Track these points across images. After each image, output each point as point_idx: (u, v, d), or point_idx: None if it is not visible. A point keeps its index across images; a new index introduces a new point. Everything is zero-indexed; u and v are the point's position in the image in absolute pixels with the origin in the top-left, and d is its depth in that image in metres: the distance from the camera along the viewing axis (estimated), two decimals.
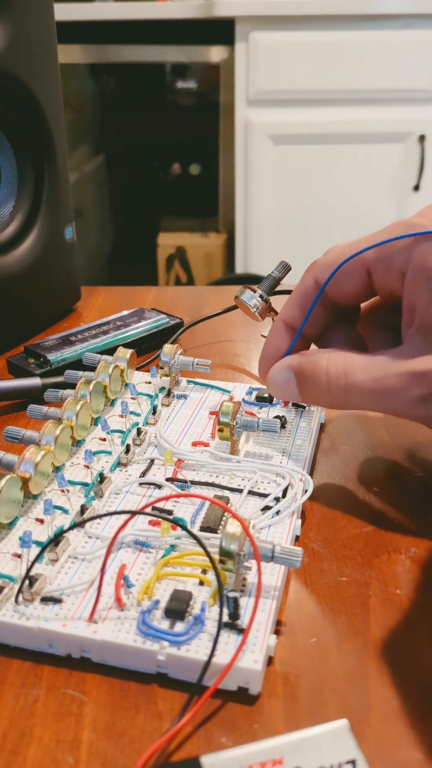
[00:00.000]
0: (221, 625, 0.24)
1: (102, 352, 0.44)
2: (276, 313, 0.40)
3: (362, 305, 0.36)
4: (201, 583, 0.26)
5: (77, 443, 0.35)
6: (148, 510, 0.30)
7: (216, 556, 0.25)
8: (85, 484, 0.32)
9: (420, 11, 1.54)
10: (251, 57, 1.59)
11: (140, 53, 1.70)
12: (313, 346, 0.35)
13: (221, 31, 1.60)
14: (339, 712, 0.23)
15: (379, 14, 1.55)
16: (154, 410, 0.38)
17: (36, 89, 0.47)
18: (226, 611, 0.24)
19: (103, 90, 1.88)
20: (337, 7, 1.53)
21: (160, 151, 1.90)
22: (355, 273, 0.31)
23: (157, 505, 0.30)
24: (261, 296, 0.41)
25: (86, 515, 0.29)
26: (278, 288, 0.41)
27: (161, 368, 0.41)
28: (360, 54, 1.58)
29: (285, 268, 0.41)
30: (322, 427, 0.39)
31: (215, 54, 1.68)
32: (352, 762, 0.20)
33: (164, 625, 0.24)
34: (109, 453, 0.34)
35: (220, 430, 0.34)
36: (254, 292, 0.41)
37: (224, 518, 0.29)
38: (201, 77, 1.77)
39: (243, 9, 1.54)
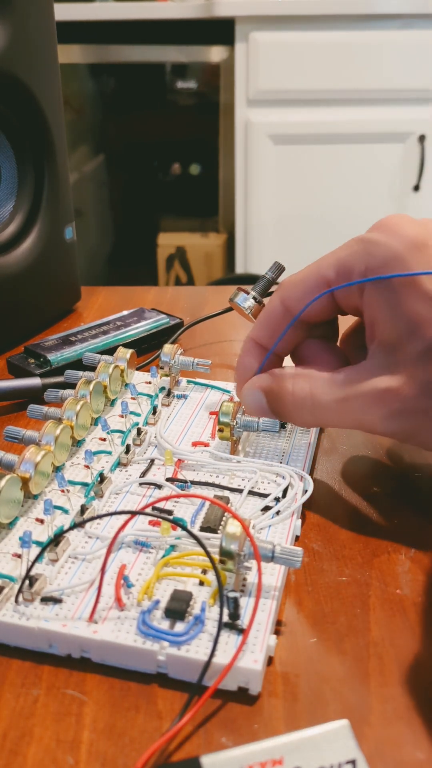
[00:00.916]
0: (221, 626, 0.24)
1: (102, 352, 0.44)
2: None
3: (346, 329, 0.36)
4: (201, 583, 0.26)
5: (77, 443, 0.35)
6: (148, 510, 0.30)
7: (216, 556, 0.25)
8: (85, 484, 0.32)
9: (420, 11, 1.54)
10: (251, 57, 1.59)
11: (140, 53, 1.70)
12: (288, 360, 0.35)
13: (221, 31, 1.59)
14: (339, 712, 0.23)
15: (379, 14, 1.54)
16: (154, 410, 0.38)
17: (36, 89, 0.47)
18: (226, 611, 0.24)
19: (103, 90, 1.88)
20: (337, 7, 1.53)
21: (160, 151, 1.90)
22: (318, 293, 0.31)
23: (157, 505, 0.30)
24: (254, 298, 0.41)
25: (86, 515, 0.29)
26: (272, 289, 0.41)
27: (161, 368, 0.41)
28: (360, 54, 1.58)
29: (279, 269, 0.41)
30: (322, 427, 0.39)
31: (215, 54, 1.67)
32: (352, 762, 0.20)
33: (164, 625, 0.24)
34: (109, 453, 0.34)
35: (220, 430, 0.34)
36: (248, 293, 0.41)
37: (224, 518, 0.29)
38: (201, 77, 1.77)
39: (243, 9, 1.54)
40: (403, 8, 1.54)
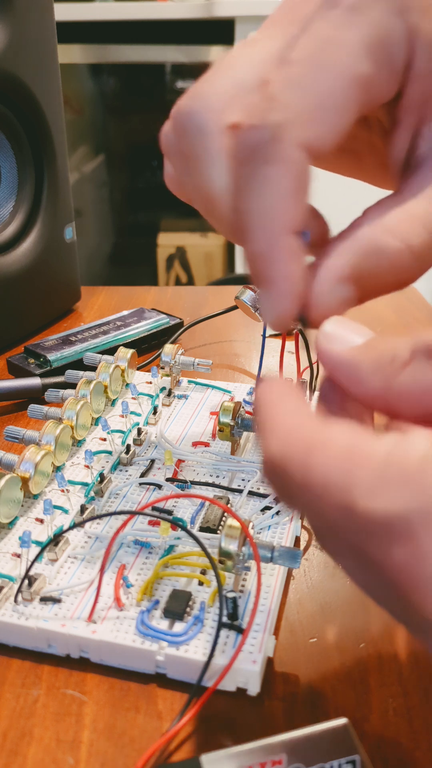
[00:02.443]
0: (220, 626, 0.24)
1: (102, 352, 0.44)
2: None
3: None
4: (200, 583, 0.26)
5: (78, 443, 0.35)
6: (148, 510, 0.30)
7: (215, 557, 0.25)
8: (85, 484, 0.32)
9: None
10: None
11: (140, 53, 1.70)
12: None
13: (221, 31, 1.59)
14: (339, 712, 0.23)
15: None
16: (155, 410, 0.38)
17: (36, 89, 0.47)
18: (225, 611, 0.24)
19: (103, 90, 1.88)
20: None
21: (160, 151, 1.90)
22: (350, 98, 0.20)
23: (157, 505, 0.30)
24: None
25: (86, 515, 0.29)
26: None
27: (162, 368, 0.41)
28: None
29: None
30: None
31: (215, 54, 1.67)
32: (352, 762, 0.20)
33: (163, 625, 0.24)
34: (110, 453, 0.34)
35: (221, 431, 0.34)
36: (255, 292, 0.41)
37: (224, 518, 0.29)
38: (201, 77, 1.77)
39: (243, 9, 1.54)
40: None
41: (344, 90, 0.19)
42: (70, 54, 1.69)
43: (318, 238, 0.22)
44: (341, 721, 0.21)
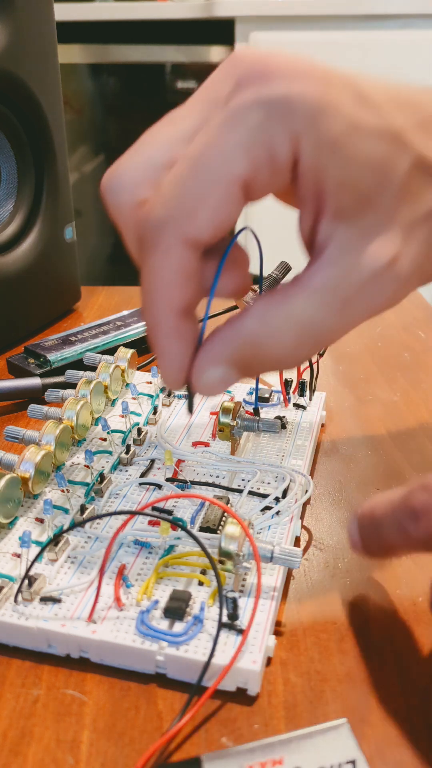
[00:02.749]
0: (220, 626, 0.24)
1: (102, 352, 0.44)
2: None
3: None
4: (200, 583, 0.26)
5: (78, 443, 0.35)
6: (148, 510, 0.30)
7: (216, 557, 0.25)
8: (85, 484, 0.32)
9: (420, 11, 1.54)
10: None
11: (140, 53, 1.70)
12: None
13: (221, 31, 1.59)
14: (339, 712, 0.23)
15: (379, 14, 1.54)
16: (155, 410, 0.38)
17: (36, 89, 0.47)
18: (225, 611, 0.24)
19: (103, 90, 1.88)
20: (337, 7, 1.53)
21: None
22: (228, 199, 0.22)
23: (157, 505, 0.30)
24: None
25: (86, 515, 0.29)
26: None
27: None
28: (360, 54, 1.58)
29: (285, 269, 0.41)
30: (322, 427, 0.39)
31: (215, 54, 1.67)
32: (352, 762, 0.20)
33: (163, 625, 0.24)
34: (110, 453, 0.34)
35: (221, 431, 0.34)
36: (255, 292, 0.41)
37: (224, 519, 0.29)
38: (201, 77, 1.77)
39: (243, 9, 1.54)
40: (403, 8, 1.54)
41: (221, 190, 0.21)
42: (70, 54, 1.69)
43: (237, 291, 0.25)
44: (341, 721, 0.21)
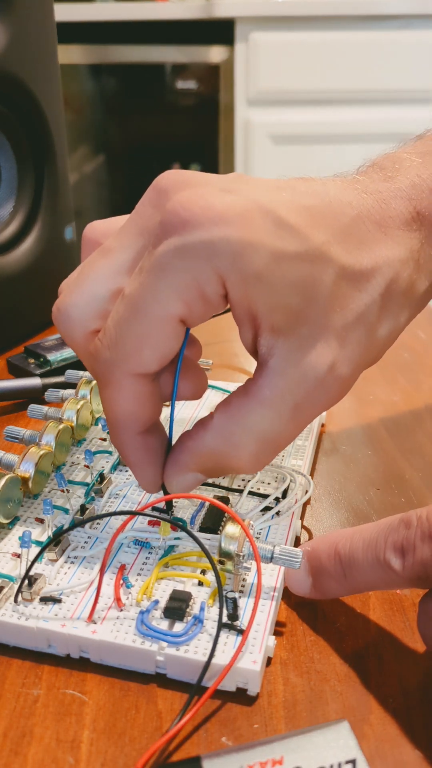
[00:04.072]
0: (221, 626, 0.24)
1: None
2: None
3: None
4: (200, 583, 0.26)
5: (78, 443, 0.35)
6: (148, 510, 0.30)
7: (216, 557, 0.25)
8: (85, 484, 0.32)
9: (420, 11, 1.54)
10: (251, 57, 1.59)
11: (140, 53, 1.70)
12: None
13: (221, 31, 1.60)
14: (339, 712, 0.23)
15: (379, 14, 1.55)
16: None
17: (36, 89, 0.47)
18: (225, 612, 0.24)
19: (103, 90, 1.88)
20: (337, 8, 1.53)
21: (160, 151, 1.90)
22: (168, 336, 0.24)
23: (157, 505, 0.30)
24: None
25: (86, 515, 0.29)
26: None
27: None
28: (360, 54, 1.58)
29: None
30: (323, 427, 0.39)
31: (215, 54, 1.67)
32: (352, 762, 0.20)
33: (163, 625, 0.24)
34: (110, 453, 0.34)
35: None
36: None
37: (224, 519, 0.29)
38: (201, 77, 1.77)
39: (243, 9, 1.54)
40: (403, 8, 1.54)
41: (160, 329, 0.23)
42: (70, 54, 1.69)
43: (195, 393, 0.28)
44: (341, 721, 0.21)
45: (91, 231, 0.29)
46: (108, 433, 0.29)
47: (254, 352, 0.26)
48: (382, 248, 0.26)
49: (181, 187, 0.24)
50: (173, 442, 0.27)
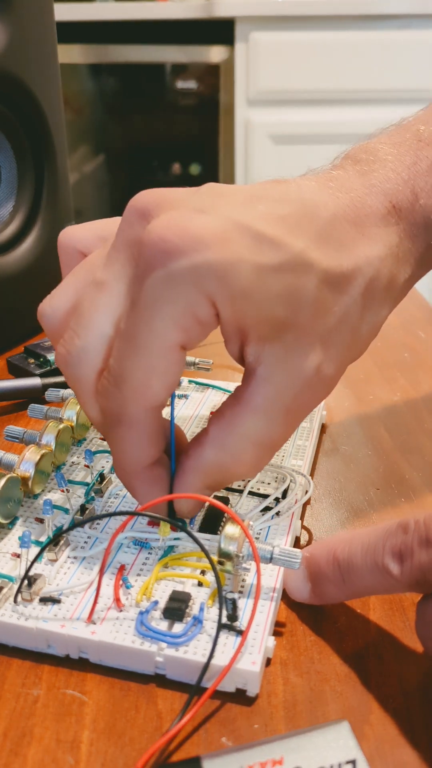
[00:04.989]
0: (220, 627, 0.23)
1: None
2: None
3: None
4: (200, 584, 0.26)
5: (78, 443, 0.35)
6: (148, 510, 0.30)
7: (215, 557, 0.25)
8: (85, 484, 0.32)
9: (420, 11, 1.54)
10: (251, 57, 1.59)
11: (140, 53, 1.70)
12: None
13: (221, 31, 1.59)
14: (339, 712, 0.23)
15: (379, 14, 1.54)
16: None
17: (36, 89, 0.47)
18: (224, 612, 0.24)
19: (103, 90, 1.88)
20: (337, 7, 1.53)
21: (160, 151, 1.90)
22: (172, 364, 0.24)
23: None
24: None
25: (86, 515, 0.29)
26: None
27: None
28: (360, 54, 1.58)
29: None
30: (323, 427, 0.39)
31: (215, 54, 1.67)
32: (352, 762, 0.20)
33: (163, 626, 0.24)
34: (110, 453, 0.34)
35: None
36: None
37: (224, 519, 0.29)
38: (201, 77, 1.77)
39: (243, 9, 1.54)
40: (403, 8, 1.54)
41: (165, 359, 0.24)
42: (70, 54, 1.69)
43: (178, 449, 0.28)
44: (341, 721, 0.21)
45: (67, 238, 0.29)
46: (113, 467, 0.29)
47: (241, 360, 0.26)
48: (360, 248, 0.26)
49: (157, 209, 0.24)
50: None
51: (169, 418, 0.27)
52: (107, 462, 0.34)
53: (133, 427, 0.25)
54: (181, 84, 1.79)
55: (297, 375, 0.25)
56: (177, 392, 0.41)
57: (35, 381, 0.41)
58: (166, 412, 0.31)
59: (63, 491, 0.31)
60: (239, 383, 0.26)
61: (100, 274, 0.25)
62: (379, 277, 0.26)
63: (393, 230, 0.27)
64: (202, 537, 0.28)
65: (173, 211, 0.24)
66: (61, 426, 0.33)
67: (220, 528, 0.29)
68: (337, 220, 0.25)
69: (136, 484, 0.26)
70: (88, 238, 0.28)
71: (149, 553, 0.28)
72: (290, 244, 0.24)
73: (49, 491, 0.32)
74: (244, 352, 0.25)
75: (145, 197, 0.25)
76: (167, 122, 1.86)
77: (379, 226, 0.26)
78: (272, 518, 0.30)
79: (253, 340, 0.24)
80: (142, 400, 0.24)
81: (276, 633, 0.26)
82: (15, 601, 0.25)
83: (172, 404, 0.28)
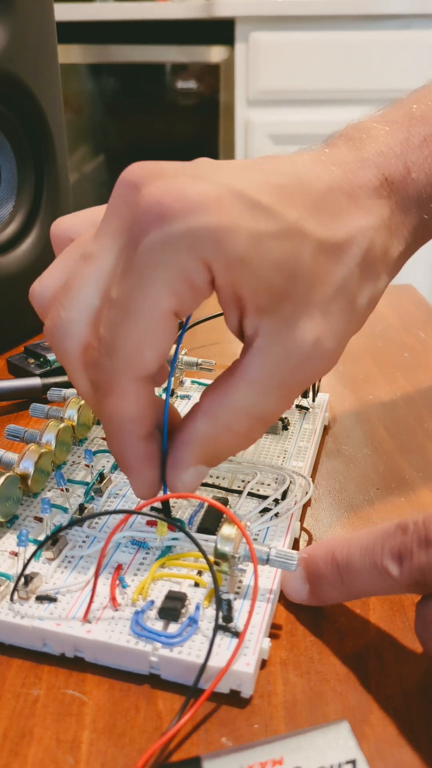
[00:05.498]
0: (216, 628, 0.23)
1: None
2: None
3: None
4: (196, 584, 0.26)
5: (78, 442, 0.35)
6: (146, 510, 0.30)
7: (212, 558, 0.25)
8: (85, 484, 0.32)
9: (420, 11, 1.54)
10: (251, 57, 1.59)
11: (140, 53, 1.70)
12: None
13: (221, 31, 1.59)
14: (339, 712, 0.23)
15: (379, 14, 1.54)
16: None
17: (36, 89, 0.47)
18: (220, 613, 0.24)
19: (103, 90, 1.88)
20: (337, 7, 1.53)
21: (160, 151, 1.90)
22: (165, 331, 0.24)
23: (155, 505, 0.30)
24: None
25: (84, 514, 0.29)
26: None
27: None
28: (359, 54, 1.58)
29: None
30: (325, 428, 0.39)
31: (215, 54, 1.67)
32: (352, 762, 0.20)
33: (158, 625, 0.24)
34: (110, 453, 0.34)
35: None
36: None
37: (222, 520, 0.29)
38: (201, 77, 1.77)
39: (243, 9, 1.54)
40: (403, 8, 1.54)
41: (157, 326, 0.23)
42: (70, 54, 1.69)
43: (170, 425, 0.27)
44: (341, 721, 0.21)
45: (60, 227, 0.28)
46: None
47: (240, 334, 0.26)
48: (354, 218, 0.26)
49: (150, 179, 0.24)
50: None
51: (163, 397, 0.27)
52: (107, 462, 0.34)
53: (125, 397, 0.24)
54: (181, 84, 1.79)
55: (295, 347, 0.24)
56: (180, 393, 0.41)
57: (35, 381, 0.41)
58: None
59: (62, 490, 0.31)
60: None
61: (88, 248, 0.25)
62: (373, 247, 0.26)
63: (385, 203, 0.27)
64: (200, 538, 0.28)
65: (167, 178, 0.23)
66: (62, 425, 0.33)
67: (218, 528, 0.29)
68: (331, 192, 0.25)
69: (128, 457, 0.26)
70: (81, 225, 0.27)
71: (147, 552, 0.28)
72: (285, 213, 0.24)
73: (49, 490, 0.32)
74: (243, 325, 0.25)
75: (138, 169, 0.24)
76: (167, 122, 1.86)
77: (372, 198, 0.26)
78: (271, 519, 0.30)
79: (251, 311, 0.24)
80: (133, 368, 0.24)
81: (272, 635, 0.26)
82: (11, 599, 0.25)
83: (169, 382, 0.27)
